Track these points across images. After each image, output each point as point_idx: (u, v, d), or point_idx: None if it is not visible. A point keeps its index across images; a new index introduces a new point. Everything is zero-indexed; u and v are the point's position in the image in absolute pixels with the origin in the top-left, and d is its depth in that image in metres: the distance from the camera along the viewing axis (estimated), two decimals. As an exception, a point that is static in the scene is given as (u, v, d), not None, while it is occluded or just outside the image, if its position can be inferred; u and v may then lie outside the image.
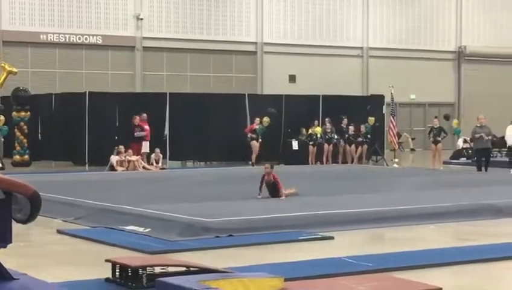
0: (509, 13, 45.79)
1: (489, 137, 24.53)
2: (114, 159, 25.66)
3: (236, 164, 29.02)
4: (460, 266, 9.92)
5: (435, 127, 27.21)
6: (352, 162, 29.33)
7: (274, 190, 15.96)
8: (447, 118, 32.88)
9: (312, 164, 28.68)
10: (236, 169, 27.00)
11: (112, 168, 25.46)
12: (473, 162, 29.26)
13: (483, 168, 24.63)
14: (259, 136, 28.30)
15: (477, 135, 24.64)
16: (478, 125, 24.76)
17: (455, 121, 30.78)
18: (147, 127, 27.06)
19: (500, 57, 44.93)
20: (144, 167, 26.04)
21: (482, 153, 24.85)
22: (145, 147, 27.00)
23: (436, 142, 26.95)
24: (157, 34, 37.51)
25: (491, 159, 25.92)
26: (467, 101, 44.21)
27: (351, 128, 29.39)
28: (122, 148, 25.85)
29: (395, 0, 42.91)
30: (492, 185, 19.83)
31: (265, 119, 28.54)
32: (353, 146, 29.49)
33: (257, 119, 28.45)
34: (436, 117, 28.97)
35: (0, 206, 6.98)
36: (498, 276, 9.72)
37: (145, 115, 27.16)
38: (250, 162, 28.59)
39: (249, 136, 28.54)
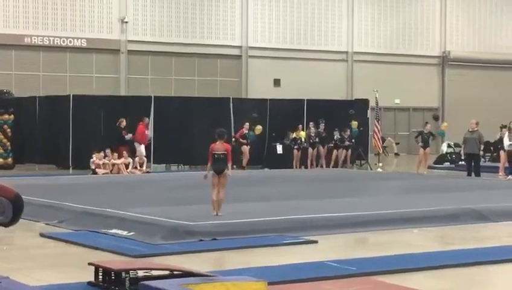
0: (493, 19, 46.03)
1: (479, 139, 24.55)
2: (92, 162, 25.62)
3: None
4: (444, 270, 9.94)
5: (426, 132, 27.10)
6: (336, 165, 29.36)
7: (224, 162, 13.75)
8: (436, 118, 32.90)
9: (296, 168, 28.68)
10: (221, 173, 26.93)
11: (94, 173, 25.41)
12: (457, 167, 29.45)
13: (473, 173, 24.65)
14: (249, 141, 28.34)
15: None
16: (470, 130, 24.70)
17: (444, 124, 30.86)
18: (147, 132, 27.38)
19: (484, 62, 45.13)
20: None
21: (471, 158, 24.80)
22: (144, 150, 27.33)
23: (425, 147, 26.86)
24: (142, 37, 37.45)
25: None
26: (450, 105, 44.37)
27: (321, 130, 29.32)
28: (100, 154, 25.74)
29: (379, 6, 43.04)
30: (476, 189, 19.88)
31: (258, 127, 28.51)
32: (338, 150, 29.56)
33: (247, 124, 28.45)
34: (427, 123, 28.84)
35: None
36: (481, 280, 9.75)
37: (147, 119, 27.51)
38: (234, 166, 28.62)
39: (232, 140, 28.61)
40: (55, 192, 17.96)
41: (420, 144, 26.96)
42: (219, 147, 13.69)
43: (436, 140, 36.12)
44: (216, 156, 13.70)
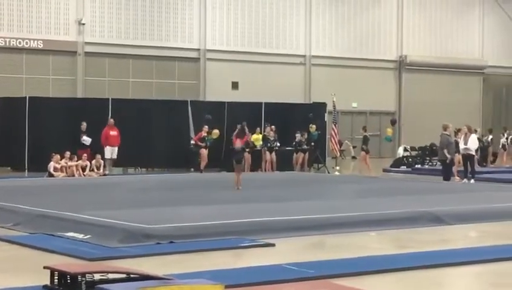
0: (448, 25, 46.53)
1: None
2: (51, 165, 25.38)
3: (179, 170, 28.92)
4: (400, 273, 9.99)
5: (361, 136, 27.85)
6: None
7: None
8: (393, 122, 33.19)
9: (246, 171, 28.59)
10: (178, 176, 26.91)
11: (50, 175, 25.17)
12: (414, 171, 29.72)
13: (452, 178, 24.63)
14: (208, 144, 28.28)
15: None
16: (447, 134, 24.55)
17: (388, 130, 31.14)
18: (114, 133, 27.28)
19: (439, 67, 45.62)
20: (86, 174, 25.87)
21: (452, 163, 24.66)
22: (109, 152, 27.27)
23: (362, 150, 27.69)
24: (99, 39, 37.20)
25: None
26: (407, 109, 44.77)
27: (271, 132, 29.38)
28: (57, 156, 25.51)
29: (337, 10, 43.26)
30: (432, 193, 20.04)
31: (215, 131, 28.44)
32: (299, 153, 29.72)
33: (205, 127, 28.37)
34: (364, 127, 29.31)
35: None
36: (438, 282, 9.82)
37: (112, 120, 27.42)
38: (192, 169, 28.68)
39: (192, 143, 28.68)
40: (10, 194, 17.75)
41: (367, 147, 27.85)
42: (238, 142, 19.82)
43: (392, 143, 36.50)
44: (236, 149, 19.93)
